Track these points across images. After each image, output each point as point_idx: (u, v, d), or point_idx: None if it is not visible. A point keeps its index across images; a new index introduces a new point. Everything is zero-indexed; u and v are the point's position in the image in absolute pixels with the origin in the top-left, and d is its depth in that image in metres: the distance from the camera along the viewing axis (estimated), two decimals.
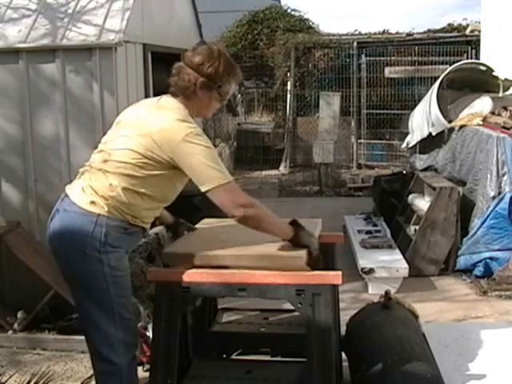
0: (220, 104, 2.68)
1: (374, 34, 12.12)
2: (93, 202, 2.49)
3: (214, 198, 2.42)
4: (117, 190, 2.48)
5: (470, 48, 10.59)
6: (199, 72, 2.52)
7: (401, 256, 5.25)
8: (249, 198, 2.47)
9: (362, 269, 4.98)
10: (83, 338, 2.73)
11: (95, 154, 2.62)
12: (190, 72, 2.54)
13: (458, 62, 7.95)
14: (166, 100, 2.60)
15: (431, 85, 7.79)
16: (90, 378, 2.91)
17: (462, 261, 5.38)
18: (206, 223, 3.11)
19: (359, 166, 11.18)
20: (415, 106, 7.93)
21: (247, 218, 2.43)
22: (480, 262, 5.22)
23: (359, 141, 11.31)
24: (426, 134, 6.89)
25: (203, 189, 2.41)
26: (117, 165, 2.49)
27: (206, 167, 2.40)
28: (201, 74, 2.52)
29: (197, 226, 3.05)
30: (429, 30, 12.39)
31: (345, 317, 3.32)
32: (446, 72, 7.04)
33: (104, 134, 2.77)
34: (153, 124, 2.47)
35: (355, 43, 11.36)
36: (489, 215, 5.19)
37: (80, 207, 2.50)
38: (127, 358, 2.60)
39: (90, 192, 2.51)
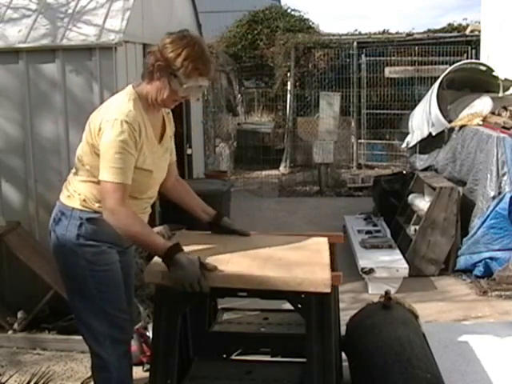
0: (180, 98, 2.54)
1: (374, 34, 12.11)
2: (69, 196, 2.61)
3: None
4: (86, 183, 2.56)
5: (470, 48, 10.59)
6: (161, 54, 2.44)
7: (401, 256, 5.25)
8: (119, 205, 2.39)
9: (362, 269, 4.98)
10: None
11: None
12: (156, 53, 2.47)
13: (458, 61, 7.95)
14: (119, 93, 2.58)
15: (431, 85, 7.79)
16: (89, 378, 2.90)
17: (462, 261, 5.38)
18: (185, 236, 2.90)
19: (359, 166, 11.18)
20: (415, 106, 7.93)
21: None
22: (480, 261, 5.22)
23: (359, 141, 11.32)
24: (426, 134, 6.89)
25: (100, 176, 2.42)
26: (83, 160, 2.58)
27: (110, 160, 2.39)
28: (161, 56, 2.44)
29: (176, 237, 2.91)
30: (429, 30, 12.39)
31: (345, 317, 3.32)
32: (446, 72, 7.04)
33: None
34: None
35: (355, 43, 11.36)
36: (489, 215, 5.19)
37: (61, 202, 2.65)
38: (115, 353, 2.62)
39: (67, 187, 2.64)
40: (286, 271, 2.41)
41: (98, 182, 2.45)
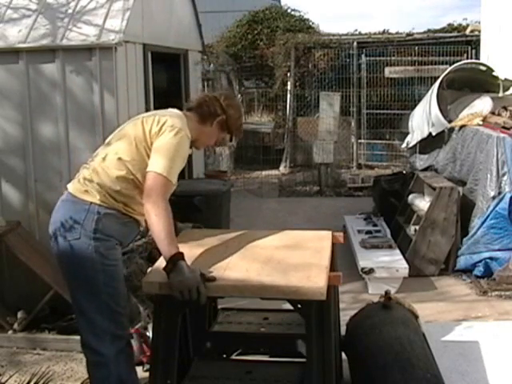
0: (215, 144, 3.04)
1: (374, 34, 12.10)
2: (86, 191, 2.64)
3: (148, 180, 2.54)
4: (111, 179, 2.63)
5: (470, 48, 10.58)
6: (225, 112, 2.84)
7: (401, 256, 5.25)
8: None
9: (362, 269, 4.98)
10: None
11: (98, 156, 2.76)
12: (218, 106, 2.84)
13: (458, 62, 7.95)
14: (176, 111, 2.85)
15: (431, 85, 7.78)
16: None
17: (462, 261, 5.38)
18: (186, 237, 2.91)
19: (359, 166, 11.17)
20: (415, 106, 7.93)
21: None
22: (480, 261, 5.22)
23: (359, 141, 11.31)
24: (426, 134, 6.89)
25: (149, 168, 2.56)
26: (124, 157, 2.66)
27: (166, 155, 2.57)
28: (222, 111, 2.83)
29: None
30: (429, 30, 12.38)
31: (345, 317, 3.32)
32: (446, 72, 7.04)
33: (104, 133, 2.79)
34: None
35: (355, 43, 11.35)
36: (489, 215, 5.19)
37: (74, 195, 2.67)
38: (114, 349, 2.64)
39: (84, 182, 2.67)
40: (283, 277, 2.42)
41: (138, 180, 2.62)
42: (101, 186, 2.63)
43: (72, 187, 2.71)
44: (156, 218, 2.45)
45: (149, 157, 2.60)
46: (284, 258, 2.62)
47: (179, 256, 2.41)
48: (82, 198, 2.63)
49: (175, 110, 2.84)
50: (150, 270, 2.65)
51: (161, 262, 2.52)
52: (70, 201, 2.67)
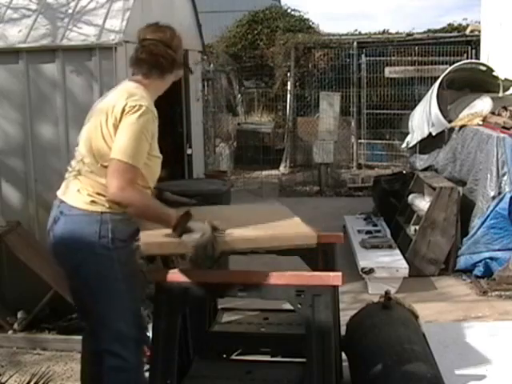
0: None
1: (374, 34, 12.12)
2: (93, 202, 2.49)
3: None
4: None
5: (469, 48, 10.58)
6: (170, 46, 2.66)
7: (401, 256, 5.25)
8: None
9: (362, 269, 4.98)
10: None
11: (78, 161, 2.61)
12: (168, 49, 2.66)
13: (458, 61, 7.94)
14: (128, 83, 2.68)
15: (431, 85, 7.78)
16: None
17: (462, 261, 5.38)
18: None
19: (359, 166, 11.18)
20: (415, 106, 7.93)
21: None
22: (480, 261, 5.22)
23: (359, 141, 11.32)
24: (426, 134, 6.89)
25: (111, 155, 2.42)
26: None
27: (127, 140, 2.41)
28: (176, 52, 2.67)
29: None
30: (429, 30, 12.38)
31: (345, 317, 3.32)
32: (446, 72, 7.04)
33: None
34: None
35: (355, 43, 11.36)
36: (489, 215, 5.19)
37: (80, 209, 2.50)
38: (138, 355, 2.61)
39: (86, 193, 2.51)
40: (289, 229, 2.57)
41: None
42: (102, 194, 2.48)
43: (73, 199, 2.53)
44: (133, 202, 2.40)
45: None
46: (260, 219, 2.71)
47: (187, 216, 2.39)
48: (91, 210, 2.48)
49: (130, 83, 2.62)
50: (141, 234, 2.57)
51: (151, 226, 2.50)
52: (77, 214, 2.50)
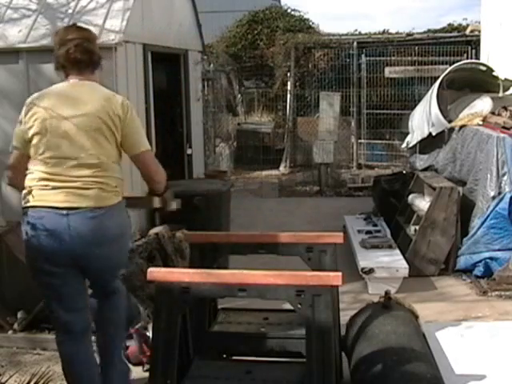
0: None
1: (374, 34, 12.12)
2: (116, 193, 2.82)
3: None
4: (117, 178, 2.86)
5: (469, 48, 10.59)
6: (94, 44, 3.00)
7: (401, 256, 5.25)
8: None
9: (362, 269, 4.98)
10: None
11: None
12: (94, 43, 3.00)
13: (458, 61, 7.94)
14: (95, 85, 3.02)
15: (431, 85, 7.78)
16: None
17: (462, 261, 5.38)
18: None
19: (359, 166, 11.18)
20: (415, 106, 7.93)
21: None
22: (480, 261, 5.22)
23: (359, 141, 11.32)
24: (426, 133, 6.89)
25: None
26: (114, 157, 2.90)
27: None
28: (95, 46, 3.01)
29: None
30: (429, 30, 12.39)
31: (345, 317, 3.32)
32: (446, 72, 7.04)
33: None
34: None
35: (355, 43, 11.36)
36: (489, 215, 5.19)
37: (108, 205, 2.77)
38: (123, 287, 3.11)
39: (111, 188, 2.79)
40: None
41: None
42: (117, 186, 2.81)
43: (98, 198, 2.75)
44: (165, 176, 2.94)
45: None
46: None
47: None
48: (115, 202, 2.79)
49: (95, 84, 2.90)
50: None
51: None
52: (107, 214, 2.77)
